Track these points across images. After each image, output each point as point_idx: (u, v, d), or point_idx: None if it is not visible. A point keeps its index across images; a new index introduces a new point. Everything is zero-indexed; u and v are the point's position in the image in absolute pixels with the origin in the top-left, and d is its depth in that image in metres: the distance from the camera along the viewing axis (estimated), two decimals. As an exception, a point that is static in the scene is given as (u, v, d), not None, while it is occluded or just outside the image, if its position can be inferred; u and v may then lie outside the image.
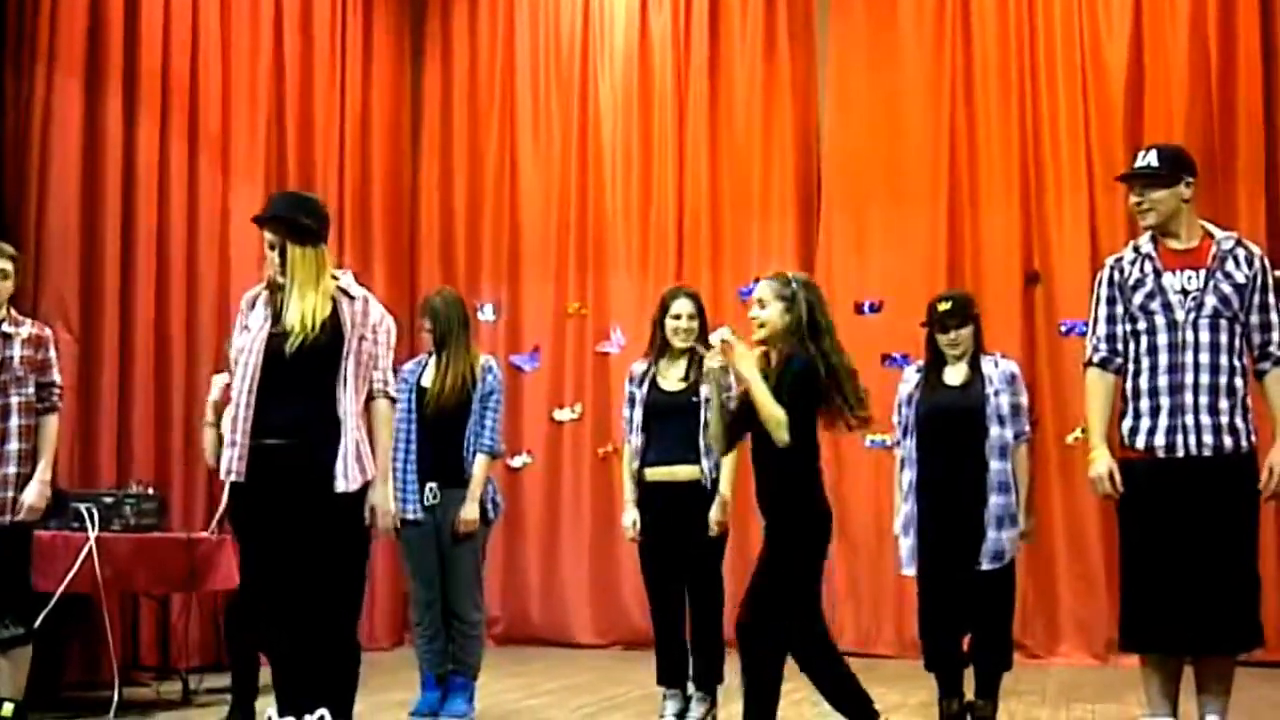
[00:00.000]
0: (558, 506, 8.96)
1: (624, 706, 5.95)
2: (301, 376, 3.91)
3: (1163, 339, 4.26)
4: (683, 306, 5.47)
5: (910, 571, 4.99)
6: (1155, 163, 4.35)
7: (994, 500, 4.83)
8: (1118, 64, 8.18)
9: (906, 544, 4.97)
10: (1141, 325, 4.30)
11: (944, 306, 5.06)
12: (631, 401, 5.50)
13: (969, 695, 5.05)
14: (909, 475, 4.99)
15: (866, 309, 8.54)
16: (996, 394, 4.93)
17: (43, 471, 4.82)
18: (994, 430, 4.88)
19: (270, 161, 8.09)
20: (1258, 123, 7.84)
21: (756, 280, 8.38)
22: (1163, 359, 4.25)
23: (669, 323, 5.45)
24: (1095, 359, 4.45)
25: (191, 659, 6.40)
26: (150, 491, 6.19)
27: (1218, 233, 4.36)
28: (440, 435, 5.50)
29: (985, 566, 4.82)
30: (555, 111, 9.32)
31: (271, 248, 4.04)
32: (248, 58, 7.94)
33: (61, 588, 5.23)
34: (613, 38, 9.25)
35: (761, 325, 4.28)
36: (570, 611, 8.77)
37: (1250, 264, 4.27)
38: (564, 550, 8.88)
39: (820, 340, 4.25)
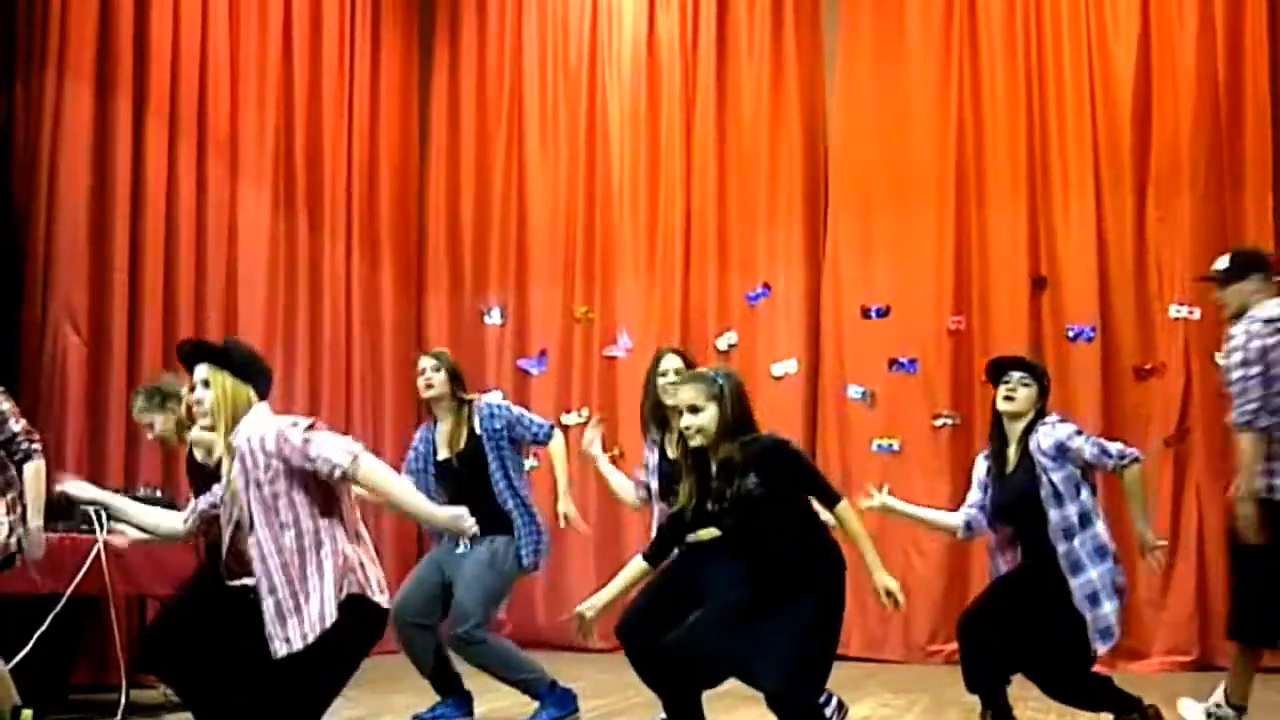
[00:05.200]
0: (564, 511, 8.95)
1: (631, 711, 5.95)
2: None
3: None
4: (670, 363, 5.13)
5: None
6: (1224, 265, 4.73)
7: (1075, 583, 4.57)
8: (1125, 68, 8.18)
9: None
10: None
11: (1007, 358, 4.99)
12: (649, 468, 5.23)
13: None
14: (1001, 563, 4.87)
15: (874, 313, 8.54)
16: (1046, 472, 4.64)
17: (33, 518, 4.66)
18: (1052, 514, 4.61)
19: (279, 168, 8.13)
20: (1265, 129, 7.83)
21: (765, 287, 8.58)
22: None
23: (660, 381, 5.09)
24: (1259, 424, 4.55)
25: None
26: (158, 494, 6.19)
27: None
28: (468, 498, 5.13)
29: (1101, 649, 4.57)
30: (563, 117, 9.34)
31: None
32: (256, 65, 7.97)
33: (70, 589, 5.24)
34: (620, 44, 9.27)
35: (699, 431, 3.95)
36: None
37: None
38: (571, 554, 8.87)
39: (754, 427, 4.00)
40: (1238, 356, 4.61)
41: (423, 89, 9.66)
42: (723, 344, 8.77)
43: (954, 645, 7.88)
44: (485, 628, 5.32)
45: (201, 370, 3.72)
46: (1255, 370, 4.57)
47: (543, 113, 9.40)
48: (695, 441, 3.98)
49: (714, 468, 3.99)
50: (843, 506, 3.97)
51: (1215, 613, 7.70)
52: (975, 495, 4.96)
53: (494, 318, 9.23)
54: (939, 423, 8.25)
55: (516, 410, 5.57)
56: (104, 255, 6.82)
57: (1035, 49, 8.41)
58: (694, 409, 3.96)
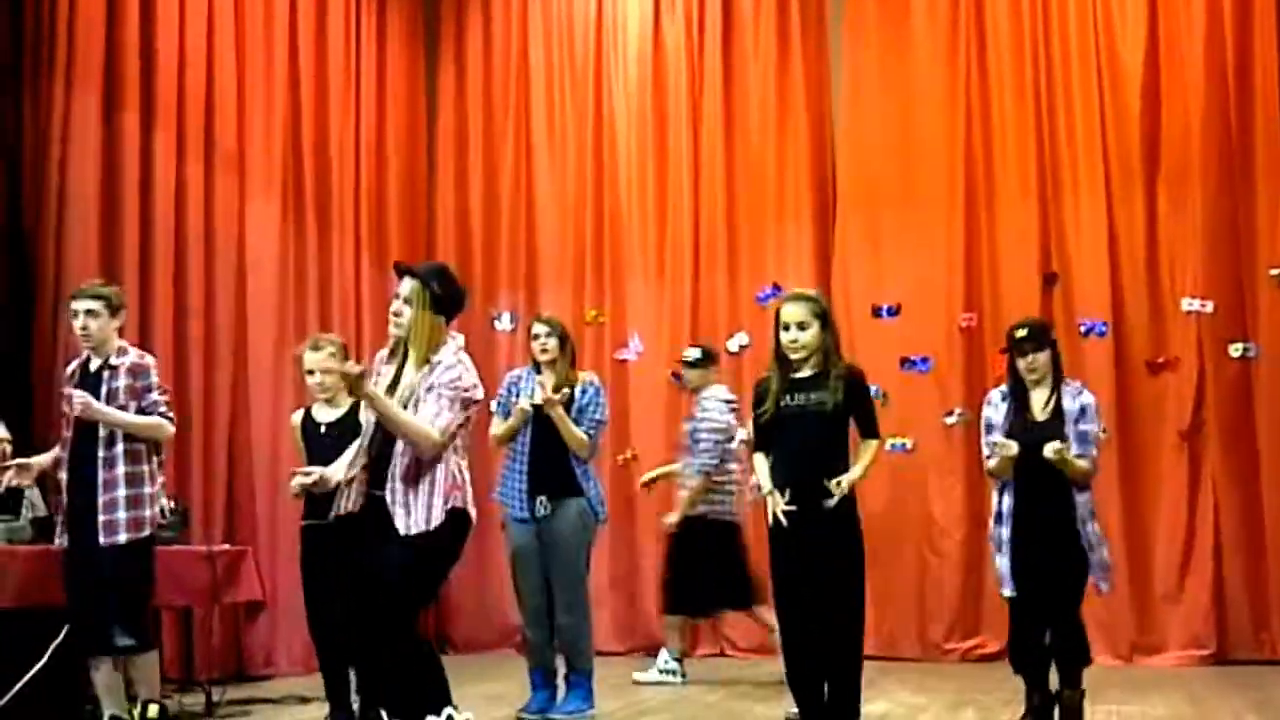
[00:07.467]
0: (578, 514, 8.95)
1: (647, 713, 5.95)
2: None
3: None
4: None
5: (1008, 592, 4.98)
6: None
7: (1085, 529, 4.93)
8: (1134, 64, 8.14)
9: (1002, 563, 5.00)
10: None
11: (1021, 333, 5.03)
12: None
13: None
14: (1008, 501, 5.00)
15: (884, 313, 8.52)
16: (1072, 428, 4.94)
17: (123, 417, 4.80)
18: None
19: (287, 175, 8.14)
20: (1275, 123, 7.78)
21: (775, 287, 8.56)
22: None
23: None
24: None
25: (214, 671, 6.42)
26: (171, 505, 6.20)
27: None
28: (548, 448, 5.67)
29: (1105, 588, 5.00)
30: (570, 120, 9.34)
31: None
32: (263, 74, 7.98)
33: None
34: (626, 45, 9.27)
35: (803, 346, 4.49)
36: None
37: None
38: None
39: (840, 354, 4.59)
40: (716, 422, 6.78)
41: (429, 95, 9.67)
42: (734, 345, 8.76)
43: (970, 643, 7.98)
44: (585, 582, 5.76)
45: (407, 287, 4.09)
46: (724, 435, 6.78)
47: (549, 117, 9.40)
48: (796, 355, 4.49)
49: (797, 376, 4.50)
50: (877, 443, 4.61)
51: (1232, 606, 7.68)
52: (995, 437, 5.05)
53: (504, 323, 9.23)
54: (951, 420, 8.23)
55: (600, 403, 5.81)
56: (113, 268, 6.81)
57: (1043, 44, 8.37)
58: (801, 325, 4.49)
